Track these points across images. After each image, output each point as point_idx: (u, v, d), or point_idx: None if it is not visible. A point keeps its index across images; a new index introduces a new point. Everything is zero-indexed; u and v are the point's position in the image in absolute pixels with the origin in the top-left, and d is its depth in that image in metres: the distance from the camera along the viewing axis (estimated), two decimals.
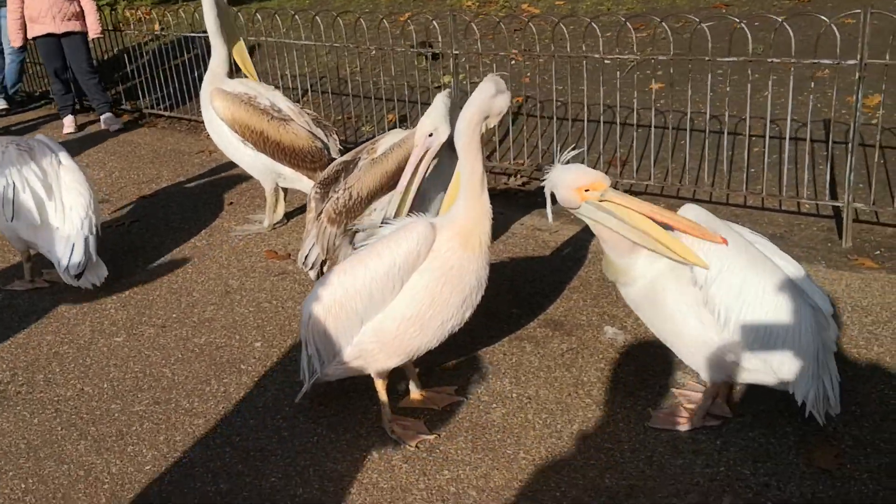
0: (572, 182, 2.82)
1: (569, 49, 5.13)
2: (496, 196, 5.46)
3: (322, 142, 4.85)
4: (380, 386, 3.14)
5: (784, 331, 2.76)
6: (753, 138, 5.22)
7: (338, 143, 4.92)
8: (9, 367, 3.88)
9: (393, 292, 2.92)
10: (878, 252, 4.31)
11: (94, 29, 7.70)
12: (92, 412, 3.49)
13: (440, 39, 5.74)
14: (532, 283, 4.25)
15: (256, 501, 2.90)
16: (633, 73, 5.42)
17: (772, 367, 2.84)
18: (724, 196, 5.02)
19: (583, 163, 3.07)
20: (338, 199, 3.87)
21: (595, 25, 4.90)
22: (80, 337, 4.10)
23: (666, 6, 8.69)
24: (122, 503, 2.95)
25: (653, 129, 5.25)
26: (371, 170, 3.89)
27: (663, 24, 4.91)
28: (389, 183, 3.88)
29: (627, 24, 4.86)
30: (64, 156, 4.57)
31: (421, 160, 3.55)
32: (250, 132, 4.78)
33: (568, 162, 2.89)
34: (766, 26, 4.62)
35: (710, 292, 2.75)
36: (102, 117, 7.97)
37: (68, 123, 8.07)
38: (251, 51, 5.47)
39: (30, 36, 7.68)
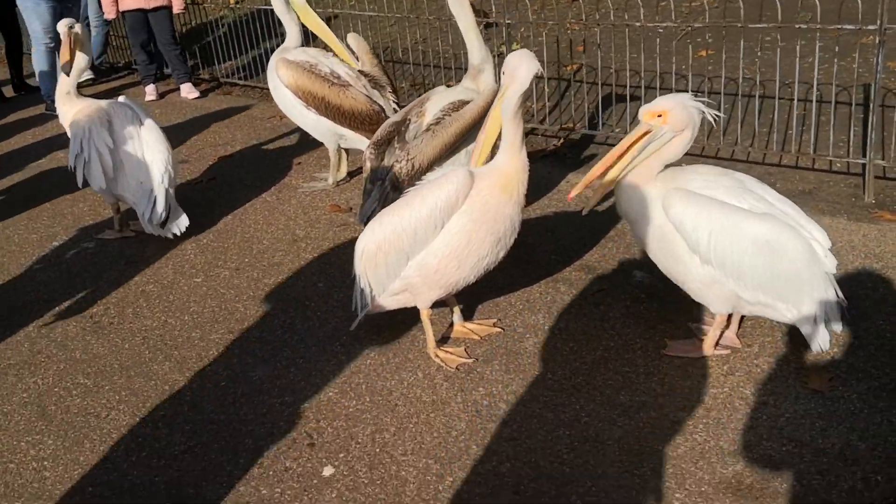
0: None
1: (612, 18, 5.44)
2: (546, 156, 5.83)
3: (378, 105, 5.26)
4: (424, 316, 3.55)
5: (779, 265, 3.08)
6: (789, 101, 5.46)
7: (392, 103, 5.31)
8: (102, 302, 4.40)
9: (435, 231, 3.31)
10: None
11: (178, 4, 8.19)
12: (175, 339, 3.99)
13: (493, 9, 6.08)
14: (571, 233, 4.60)
15: (316, 411, 3.35)
16: (679, 41, 5.69)
17: (775, 300, 3.17)
18: (760, 156, 5.29)
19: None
20: (401, 168, 4.21)
21: None
22: (163, 277, 4.60)
23: None
24: (202, 412, 3.43)
25: (694, 94, 5.51)
26: (431, 141, 4.21)
27: None
28: (447, 152, 4.27)
29: None
30: (145, 116, 5.06)
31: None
32: (312, 97, 5.20)
33: None
34: None
35: (699, 241, 3.10)
36: (182, 86, 8.50)
37: (150, 91, 8.62)
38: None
39: (121, 9, 8.23)
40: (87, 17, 9.39)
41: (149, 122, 5.04)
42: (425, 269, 3.37)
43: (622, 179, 3.31)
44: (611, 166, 3.28)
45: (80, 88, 8.81)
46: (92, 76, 9.62)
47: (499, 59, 6.26)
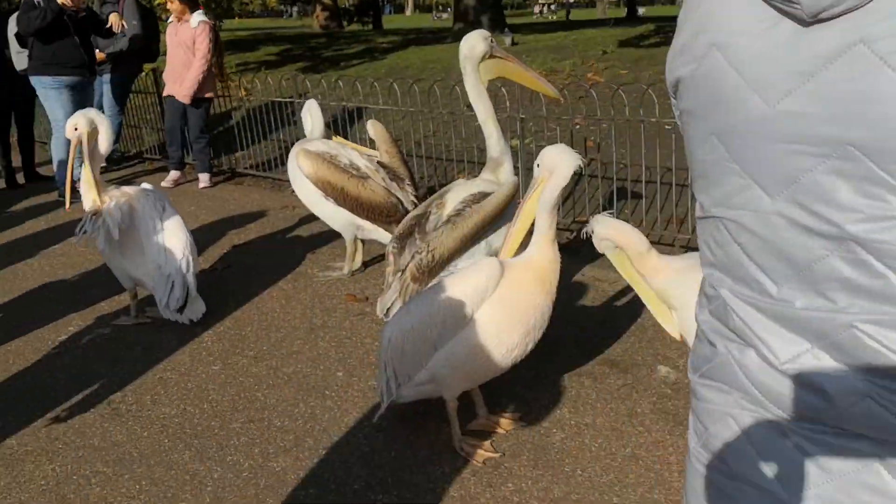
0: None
1: (627, 113, 5.54)
2: (560, 249, 5.84)
3: (396, 197, 5.31)
4: (451, 408, 3.51)
5: None
6: None
7: (410, 195, 5.37)
8: (119, 389, 4.35)
9: (464, 322, 3.30)
10: None
11: (181, 93, 8.32)
12: (194, 428, 3.93)
13: (508, 104, 6.20)
14: (592, 326, 4.60)
15: None
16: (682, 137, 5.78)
17: None
18: None
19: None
20: (421, 260, 4.20)
21: (652, 93, 5.31)
22: (180, 365, 4.56)
23: None
24: (224, 502, 3.36)
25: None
26: (452, 233, 4.21)
27: None
28: (467, 243, 4.28)
29: None
30: (166, 203, 5.10)
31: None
32: (332, 188, 5.26)
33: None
34: None
35: None
36: (200, 176, 8.60)
37: (172, 177, 8.74)
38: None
39: (164, 93, 8.49)
40: (102, 109, 9.56)
41: (170, 209, 5.09)
42: (453, 359, 3.34)
43: (646, 274, 3.35)
44: None
45: None
46: (103, 164, 9.72)
47: (514, 155, 6.40)
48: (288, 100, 8.02)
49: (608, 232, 3.42)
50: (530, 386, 4.02)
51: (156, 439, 3.86)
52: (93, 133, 5.06)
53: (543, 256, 3.33)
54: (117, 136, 9.90)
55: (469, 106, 4.73)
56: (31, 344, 4.97)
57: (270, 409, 4.03)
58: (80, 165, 5.16)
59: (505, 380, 3.93)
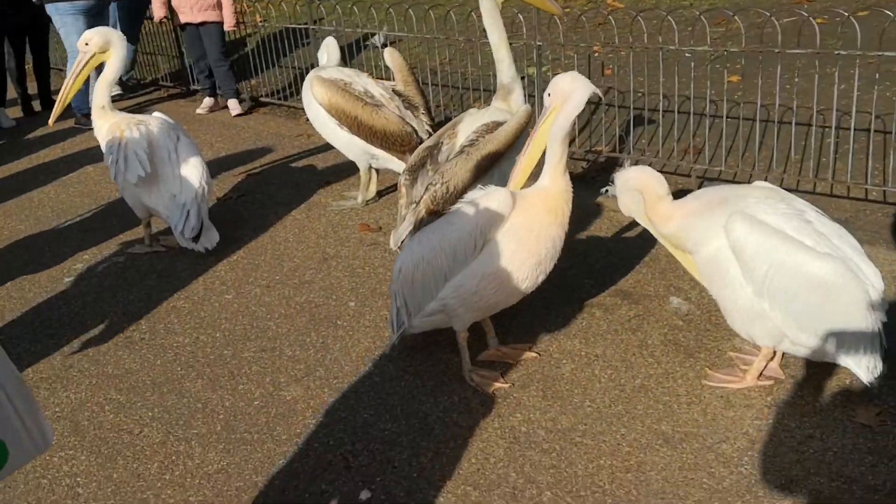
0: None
1: (646, 40, 5.42)
2: (575, 179, 5.77)
3: (411, 126, 5.24)
4: (461, 338, 3.51)
5: (834, 311, 3.01)
6: (826, 129, 5.42)
7: (425, 124, 5.30)
8: (133, 318, 4.38)
9: (475, 252, 3.27)
10: None
11: (228, 21, 8.20)
12: (207, 356, 3.96)
13: (525, 31, 6.06)
14: (604, 257, 4.56)
15: (351, 433, 3.30)
16: (710, 64, 5.66)
17: (820, 342, 3.10)
18: (794, 183, 5.22)
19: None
20: (435, 191, 4.14)
21: (672, 20, 5.17)
22: (194, 294, 4.58)
23: (749, 2, 8.86)
24: (235, 431, 3.39)
25: (725, 119, 5.46)
26: (465, 164, 4.14)
27: (735, 17, 5.16)
28: (480, 174, 4.21)
29: (702, 17, 5.12)
30: (181, 131, 5.07)
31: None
32: (346, 116, 5.19)
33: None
34: (845, 21, 4.79)
35: (756, 270, 3.05)
36: (229, 102, 8.50)
37: (206, 104, 8.66)
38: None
39: (176, 23, 8.32)
40: None
41: (184, 138, 5.05)
42: (463, 290, 3.32)
43: (653, 227, 3.33)
44: None
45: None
46: (120, 91, 9.67)
47: (525, 81, 6.28)
48: (303, 26, 7.87)
49: (628, 175, 3.36)
50: (541, 317, 4.00)
51: (168, 367, 3.90)
52: (105, 54, 5.01)
53: (555, 186, 3.29)
54: (132, 64, 9.84)
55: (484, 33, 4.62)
56: (46, 272, 5.02)
57: (282, 338, 4.05)
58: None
59: (516, 311, 3.93)
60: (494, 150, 4.14)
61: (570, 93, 3.19)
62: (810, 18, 4.72)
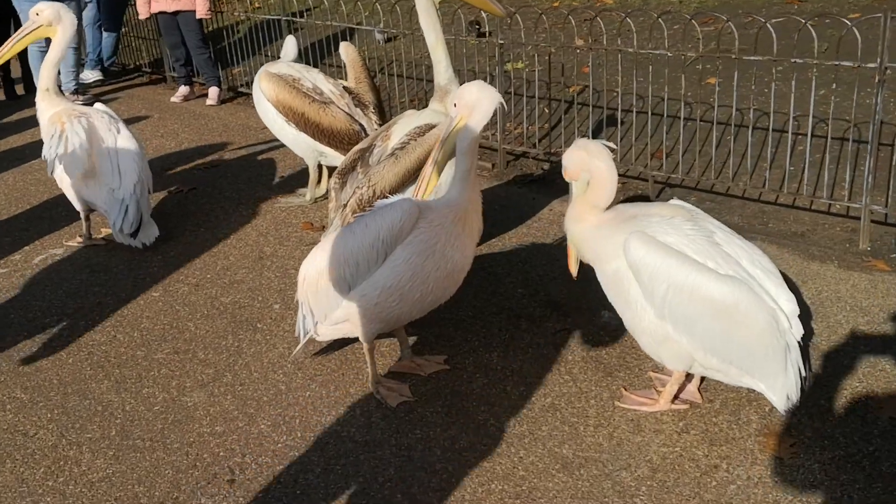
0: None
1: (604, 42, 5.26)
2: (534, 181, 5.65)
3: (359, 124, 5.11)
4: (367, 349, 3.37)
5: (739, 336, 2.86)
6: (781, 136, 5.23)
7: (374, 123, 5.16)
8: (58, 313, 4.28)
9: (377, 262, 3.14)
10: (895, 255, 4.31)
11: (201, 9, 8.09)
12: (119, 356, 3.85)
13: (487, 27, 5.91)
14: (544, 265, 4.41)
15: (244, 444, 3.18)
16: (690, 66, 5.47)
17: (730, 367, 2.96)
18: (756, 193, 5.05)
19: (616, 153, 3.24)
20: (362, 195, 4.01)
21: (630, 21, 5.00)
22: (122, 290, 4.47)
23: (740, 1, 8.67)
24: (129, 437, 3.28)
25: (682, 122, 5.27)
26: (394, 167, 4.00)
27: (693, 21, 4.98)
28: (410, 178, 4.05)
29: (660, 21, 4.95)
30: (121, 125, 4.96)
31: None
32: (292, 113, 5.07)
33: None
34: (834, 25, 4.57)
35: (654, 293, 2.90)
36: (210, 90, 8.41)
37: (181, 92, 8.58)
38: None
39: (151, 11, 8.20)
40: (99, 20, 9.37)
41: (125, 131, 4.94)
42: (365, 300, 3.19)
43: (569, 225, 3.16)
44: None
45: (90, 89, 8.89)
46: (101, 77, 9.60)
47: (490, 79, 6.13)
48: (280, 17, 7.74)
49: (586, 150, 3.07)
50: (465, 326, 3.87)
51: (79, 367, 3.79)
52: (51, 28, 4.90)
53: (463, 197, 3.15)
54: (115, 50, 9.76)
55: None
56: None
57: (198, 340, 3.93)
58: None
59: (438, 319, 3.82)
60: (424, 153, 3.98)
61: (476, 103, 3.05)
62: (767, 24, 4.54)
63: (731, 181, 5.12)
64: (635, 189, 5.40)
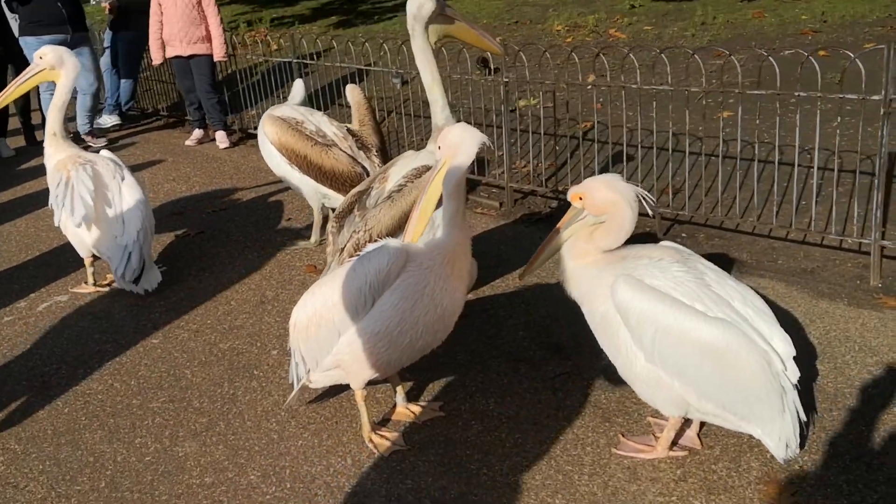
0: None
1: (608, 78, 5.21)
2: (541, 220, 5.59)
3: (361, 166, 5.09)
4: (358, 396, 3.32)
5: (731, 380, 2.78)
6: (786, 170, 5.14)
7: (376, 165, 5.14)
8: (58, 360, 4.27)
9: (365, 307, 3.09)
10: None
11: (218, 53, 8.19)
12: (115, 405, 3.82)
13: (493, 64, 5.89)
14: (547, 306, 4.34)
15: (232, 496, 3.13)
16: (703, 100, 5.41)
17: (723, 411, 2.87)
18: (766, 229, 4.96)
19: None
20: (358, 239, 3.98)
21: (633, 57, 4.96)
22: (122, 336, 4.45)
23: (752, 32, 8.62)
24: (118, 489, 3.24)
25: (686, 157, 5.22)
26: (390, 210, 3.97)
27: (695, 56, 4.92)
28: (406, 221, 4.00)
29: (663, 55, 4.91)
30: (126, 172, 4.97)
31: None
32: (295, 156, 5.08)
33: None
34: (846, 57, 4.46)
35: (643, 338, 2.83)
36: (217, 134, 8.48)
37: (195, 136, 8.66)
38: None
39: (167, 56, 8.30)
40: (116, 66, 9.49)
41: (129, 178, 4.96)
42: (355, 346, 3.14)
43: (563, 259, 3.10)
44: (546, 246, 3.11)
45: (108, 133, 9.01)
46: (118, 122, 9.71)
47: (497, 117, 6.09)
48: (287, 60, 7.78)
49: (619, 193, 2.95)
50: (462, 371, 3.80)
51: (74, 416, 3.76)
52: (54, 72, 4.94)
53: (451, 239, 3.10)
54: (132, 94, 9.87)
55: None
56: None
57: (194, 388, 3.90)
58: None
59: (436, 363, 3.77)
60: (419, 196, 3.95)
61: (459, 145, 3.01)
62: (770, 58, 4.47)
63: (741, 217, 5.04)
64: (642, 227, 5.32)
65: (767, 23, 8.87)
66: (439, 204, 3.14)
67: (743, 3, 9.99)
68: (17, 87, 5.08)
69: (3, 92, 5.08)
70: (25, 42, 8.08)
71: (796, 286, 4.30)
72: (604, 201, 2.98)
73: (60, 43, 8.00)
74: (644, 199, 3.01)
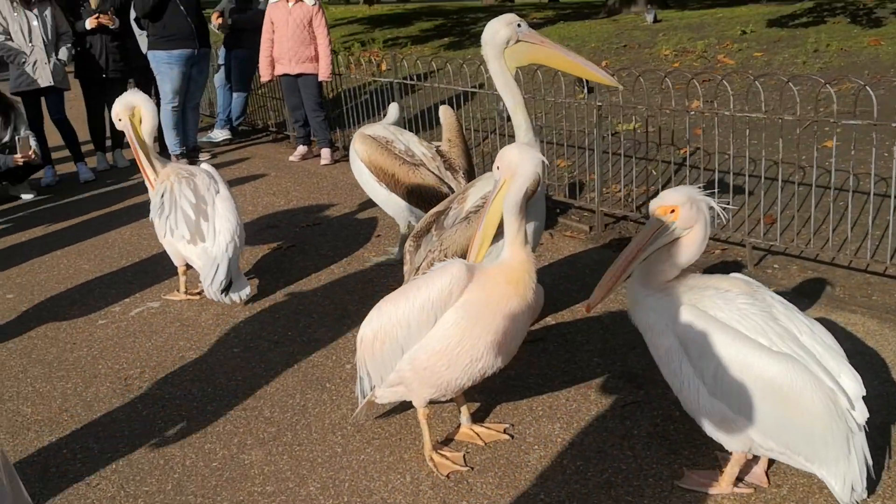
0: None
1: (701, 104, 5.08)
2: (623, 244, 5.47)
3: (448, 186, 5.11)
4: (420, 414, 3.32)
5: (793, 417, 2.66)
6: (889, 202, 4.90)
7: (463, 185, 5.14)
8: (142, 364, 4.42)
9: (428, 325, 3.09)
10: None
11: (323, 73, 8.40)
12: (190, 410, 3.92)
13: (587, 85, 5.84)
14: (626, 333, 4.23)
15: None
16: (807, 129, 5.24)
17: (787, 450, 2.75)
18: (862, 264, 4.74)
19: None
20: (433, 259, 3.98)
21: (727, 83, 4.83)
22: (205, 345, 4.58)
23: (867, 61, 8.27)
24: (183, 492, 3.32)
25: (780, 186, 5.03)
26: (466, 231, 3.94)
27: (789, 84, 4.75)
28: None
29: (756, 83, 4.75)
30: (222, 185, 5.12)
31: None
32: (384, 174, 5.14)
33: None
34: None
35: (705, 371, 2.73)
36: (322, 151, 8.68)
37: (298, 152, 8.89)
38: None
39: (276, 74, 8.57)
40: (229, 82, 9.83)
41: (224, 191, 5.10)
42: (416, 363, 3.14)
43: (631, 283, 3.02)
44: (627, 266, 3.01)
45: (218, 147, 9.36)
46: (229, 136, 10.04)
47: (620, 138, 6.02)
48: (389, 80, 7.90)
49: (696, 205, 2.90)
50: (531, 396, 3.75)
51: (151, 419, 3.88)
52: (134, 117, 5.09)
53: (515, 258, 3.07)
54: (243, 110, 10.20)
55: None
56: (85, 313, 5.16)
57: (267, 397, 3.97)
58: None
59: (505, 386, 3.75)
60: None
61: (517, 166, 2.99)
62: (867, 88, 4.28)
63: (838, 251, 4.83)
64: (734, 256, 5.16)
65: (884, 51, 8.49)
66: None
67: (859, 30, 9.60)
68: (139, 150, 5.08)
69: (138, 161, 5.19)
70: (155, 55, 8.45)
71: (889, 324, 4.08)
72: (691, 213, 2.90)
73: (188, 57, 8.40)
74: (716, 209, 2.92)
